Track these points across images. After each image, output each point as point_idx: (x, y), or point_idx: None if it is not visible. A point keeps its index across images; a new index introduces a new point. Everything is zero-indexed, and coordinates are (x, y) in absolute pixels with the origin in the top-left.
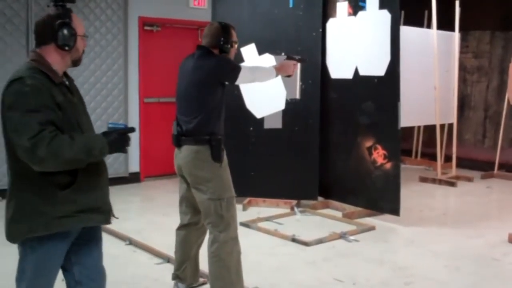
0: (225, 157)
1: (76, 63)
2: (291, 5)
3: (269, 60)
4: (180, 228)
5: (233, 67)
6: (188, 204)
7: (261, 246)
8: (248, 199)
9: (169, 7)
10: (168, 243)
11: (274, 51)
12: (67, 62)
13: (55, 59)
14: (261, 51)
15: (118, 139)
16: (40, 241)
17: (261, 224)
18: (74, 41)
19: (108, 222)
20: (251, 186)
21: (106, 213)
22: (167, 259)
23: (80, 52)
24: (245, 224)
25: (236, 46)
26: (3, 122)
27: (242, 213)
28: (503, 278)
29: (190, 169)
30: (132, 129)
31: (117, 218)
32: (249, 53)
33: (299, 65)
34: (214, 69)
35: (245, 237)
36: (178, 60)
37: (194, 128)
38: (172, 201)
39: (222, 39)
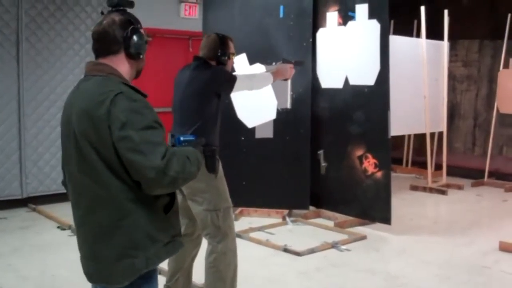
0: (220, 168)
1: (139, 73)
2: (281, 15)
3: (260, 70)
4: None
5: (229, 78)
6: (184, 215)
7: (253, 256)
8: (239, 209)
9: (160, 17)
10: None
11: (265, 61)
12: (133, 72)
13: (125, 70)
14: (252, 61)
15: (201, 151)
16: (147, 278)
17: (253, 234)
18: (146, 48)
19: (184, 245)
20: (243, 196)
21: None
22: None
23: (144, 61)
24: (236, 235)
25: (233, 57)
26: (106, 144)
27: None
28: (494, 286)
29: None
30: (203, 141)
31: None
32: (240, 63)
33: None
34: (210, 80)
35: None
36: (169, 70)
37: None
38: None
39: (219, 51)
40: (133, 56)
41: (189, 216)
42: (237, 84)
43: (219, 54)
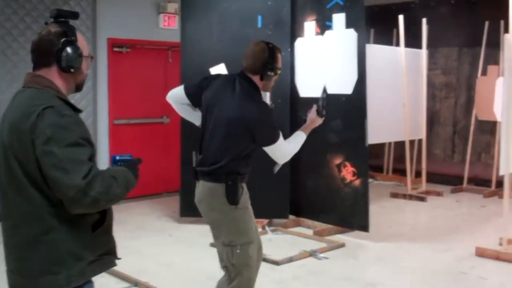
0: (246, 197)
1: (79, 87)
2: (259, 25)
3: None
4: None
5: (272, 137)
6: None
7: None
8: None
9: (138, 28)
10: (135, 267)
11: None
12: (71, 87)
13: (60, 83)
14: (230, 71)
15: (136, 172)
16: None
17: None
18: (79, 62)
19: (116, 264)
20: None
21: (115, 255)
22: (135, 283)
23: (85, 75)
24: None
25: (279, 73)
26: (28, 158)
27: None
28: None
29: (205, 208)
30: (141, 161)
31: (120, 259)
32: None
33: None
34: (253, 127)
35: (215, 258)
36: (148, 81)
37: (214, 162)
38: (142, 223)
39: (268, 64)
40: (64, 69)
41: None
42: (276, 147)
43: (266, 67)
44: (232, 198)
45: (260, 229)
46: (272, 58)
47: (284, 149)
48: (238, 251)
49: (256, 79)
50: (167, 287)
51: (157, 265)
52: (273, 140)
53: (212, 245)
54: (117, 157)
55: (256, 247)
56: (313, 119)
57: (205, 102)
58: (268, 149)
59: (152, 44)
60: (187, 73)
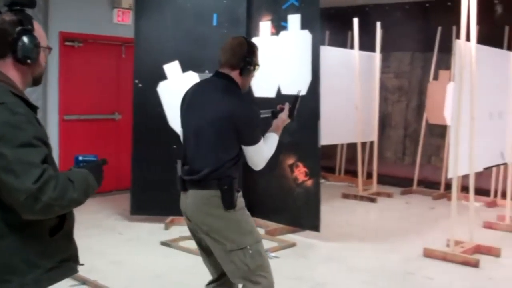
0: (241, 199)
1: (37, 81)
2: (215, 23)
3: (192, 77)
4: (210, 283)
5: (256, 137)
6: (209, 257)
7: (183, 266)
8: (170, 218)
9: (91, 23)
10: (84, 266)
11: (198, 69)
12: (27, 80)
13: (15, 76)
14: (184, 69)
15: (99, 174)
16: None
17: (183, 243)
18: (37, 53)
19: (78, 271)
20: (174, 204)
21: (76, 261)
22: (83, 282)
23: (43, 68)
24: (166, 244)
25: (258, 69)
26: None
27: (164, 232)
28: None
29: (201, 218)
30: (106, 162)
31: (82, 265)
32: (173, 71)
33: None
34: (237, 124)
35: (166, 257)
36: (102, 76)
37: (204, 168)
38: (92, 221)
39: (246, 58)
40: (20, 60)
41: (210, 257)
42: (256, 149)
43: (245, 61)
44: (229, 203)
45: None
46: (251, 53)
47: (264, 152)
48: (250, 252)
49: (235, 74)
50: (116, 285)
51: (106, 264)
52: (256, 139)
53: (203, 257)
54: (80, 157)
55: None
56: (284, 119)
57: (183, 113)
58: (250, 150)
59: (105, 39)
60: (140, 69)
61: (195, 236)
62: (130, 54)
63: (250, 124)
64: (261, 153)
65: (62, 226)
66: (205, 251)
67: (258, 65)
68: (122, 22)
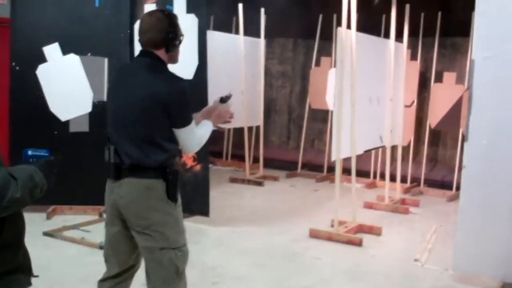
0: (179, 195)
1: None
2: (97, 4)
3: (74, 60)
4: (106, 280)
5: (187, 119)
6: (119, 251)
7: (67, 256)
8: (52, 207)
9: None
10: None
11: (79, 51)
12: None
13: None
14: (65, 51)
15: (50, 171)
16: None
17: (67, 233)
18: None
19: (30, 284)
20: (56, 193)
21: (28, 273)
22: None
23: None
24: (49, 234)
25: (182, 39)
26: None
27: (46, 222)
28: (304, 271)
29: (138, 210)
30: (60, 158)
31: (37, 276)
32: (52, 53)
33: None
34: (167, 103)
35: (49, 248)
36: None
37: (143, 157)
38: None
39: (170, 33)
40: None
41: (129, 252)
42: (187, 131)
43: (170, 37)
44: (173, 194)
45: (97, 216)
46: (173, 26)
47: (198, 134)
48: (180, 253)
49: (160, 53)
50: None
51: None
52: (188, 120)
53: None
54: (30, 152)
55: None
56: (216, 107)
57: (109, 99)
58: (182, 133)
59: None
60: (17, 52)
61: (113, 225)
62: (5, 35)
63: (181, 101)
64: (195, 134)
65: (0, 233)
66: (118, 243)
67: (182, 35)
68: None
